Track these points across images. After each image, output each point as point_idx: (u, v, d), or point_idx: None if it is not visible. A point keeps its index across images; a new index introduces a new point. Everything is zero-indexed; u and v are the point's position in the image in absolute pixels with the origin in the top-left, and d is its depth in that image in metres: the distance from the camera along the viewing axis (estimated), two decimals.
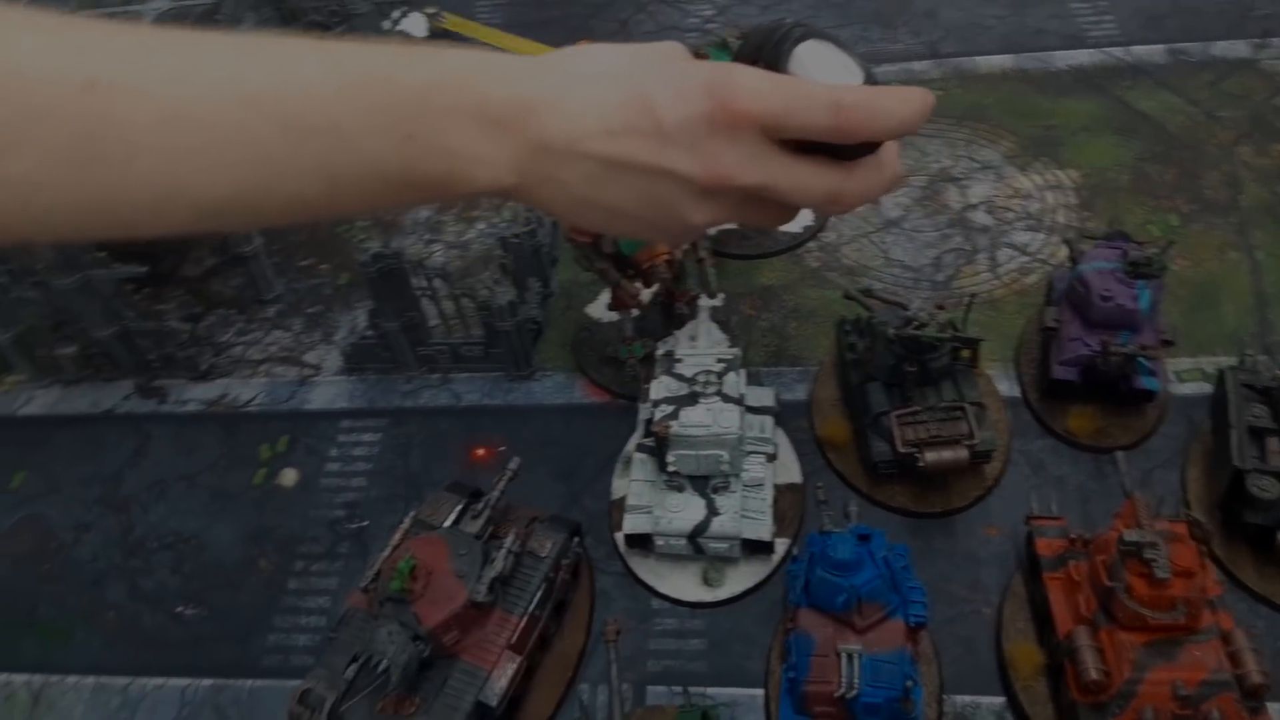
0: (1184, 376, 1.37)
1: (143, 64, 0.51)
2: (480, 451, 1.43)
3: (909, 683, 0.95)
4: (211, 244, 1.73)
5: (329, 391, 1.55)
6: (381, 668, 1.02)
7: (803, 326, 1.53)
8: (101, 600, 1.33)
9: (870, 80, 0.61)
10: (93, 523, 1.42)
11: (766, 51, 0.60)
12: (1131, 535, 0.97)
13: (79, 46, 0.50)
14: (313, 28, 1.80)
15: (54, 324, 1.55)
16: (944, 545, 1.24)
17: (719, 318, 1.55)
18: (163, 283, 1.70)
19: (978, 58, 1.98)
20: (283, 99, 0.52)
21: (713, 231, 1.69)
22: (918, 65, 1.98)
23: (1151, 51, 1.94)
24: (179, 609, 1.31)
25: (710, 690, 1.15)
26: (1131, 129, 1.77)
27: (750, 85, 0.55)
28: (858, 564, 1.01)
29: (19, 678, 1.26)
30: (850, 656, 0.99)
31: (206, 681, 1.24)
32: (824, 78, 0.59)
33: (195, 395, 1.57)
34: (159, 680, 1.25)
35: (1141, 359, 1.23)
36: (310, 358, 1.60)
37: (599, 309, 1.58)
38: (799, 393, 1.44)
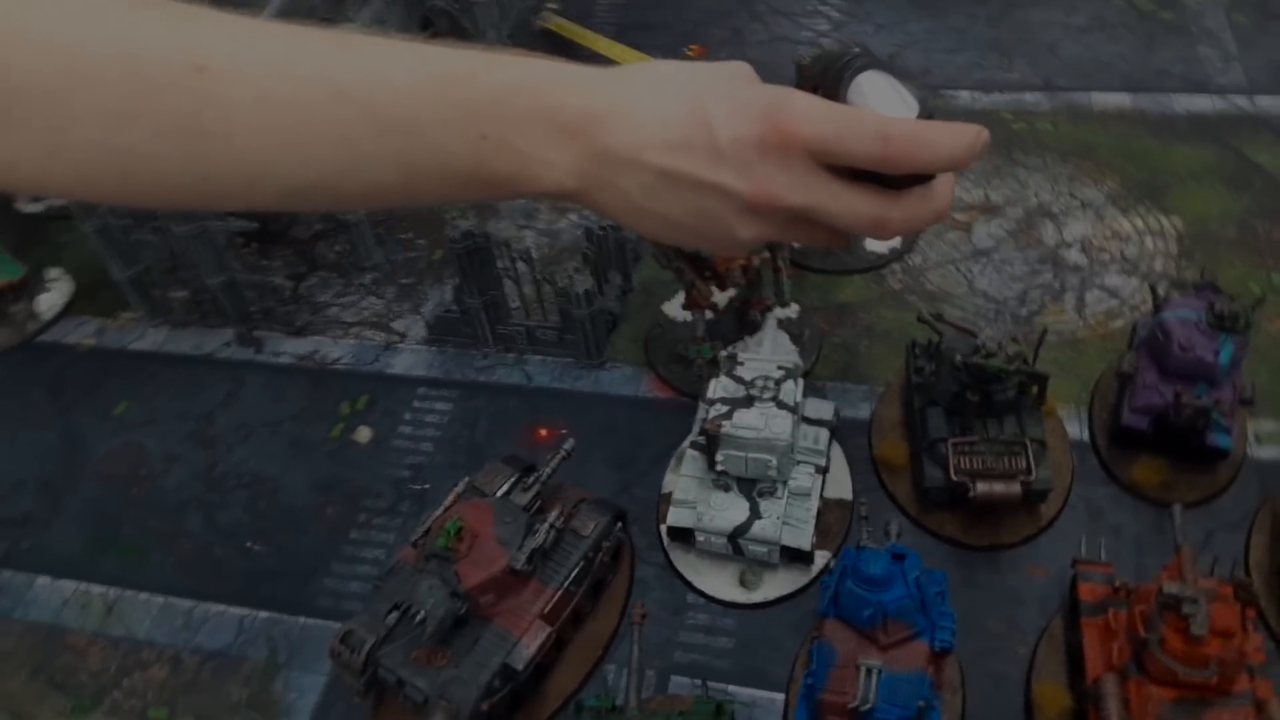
0: (1264, 440, 1.32)
1: (247, 51, 0.56)
2: (543, 432, 1.48)
3: (921, 703, 0.96)
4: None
5: (410, 359, 1.62)
6: (419, 618, 1.07)
7: (875, 346, 1.53)
8: (180, 528, 1.43)
9: (926, 113, 0.62)
10: (182, 455, 1.52)
11: (829, 78, 0.63)
12: (1172, 588, 0.95)
13: (193, 32, 0.55)
14: (436, 13, 1.88)
15: (169, 268, 1.66)
16: (987, 580, 1.23)
17: (793, 329, 1.56)
18: (273, 241, 1.80)
19: (1093, 94, 1.94)
20: (370, 91, 0.56)
21: (797, 244, 1.71)
22: (1029, 97, 1.95)
23: (1277, 104, 1.87)
24: (248, 544, 1.40)
25: (732, 688, 1.17)
26: (1244, 181, 1.71)
27: (804, 110, 0.57)
28: (888, 581, 1.02)
29: (97, 588, 1.36)
30: (870, 671, 1.00)
31: (263, 614, 1.32)
32: (880, 107, 0.61)
33: (289, 349, 1.66)
34: (220, 607, 1.33)
35: (1216, 415, 1.20)
36: (398, 325, 1.68)
37: (674, 308, 1.61)
38: (863, 411, 1.44)
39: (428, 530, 1.15)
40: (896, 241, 1.70)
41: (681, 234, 0.62)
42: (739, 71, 0.61)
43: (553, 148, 0.57)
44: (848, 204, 0.58)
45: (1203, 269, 1.34)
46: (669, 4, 2.38)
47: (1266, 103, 1.88)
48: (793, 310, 1.59)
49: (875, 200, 0.59)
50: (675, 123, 0.56)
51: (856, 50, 0.64)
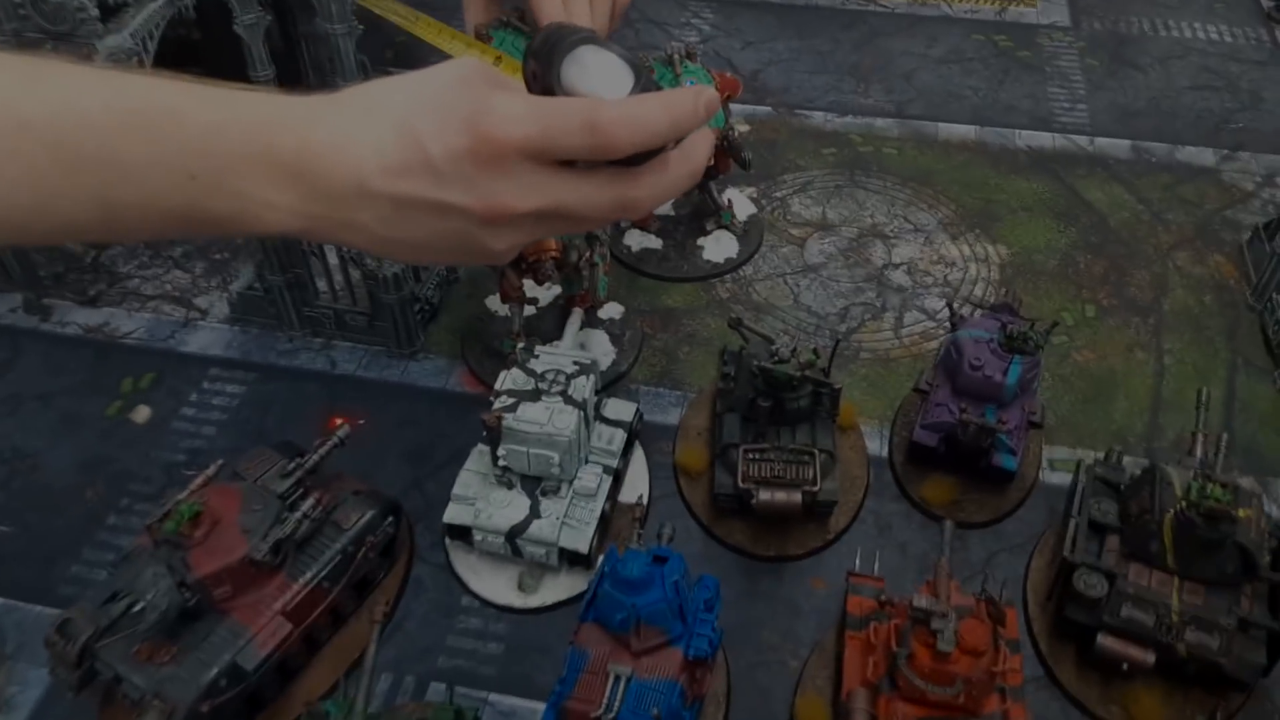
0: (1057, 465, 1.32)
1: None
2: (338, 421, 1.39)
3: (655, 711, 0.91)
4: None
5: (208, 337, 1.52)
6: (137, 608, 0.98)
7: (694, 353, 1.50)
8: None
9: (641, 85, 0.58)
10: None
11: (541, 63, 0.58)
12: (921, 601, 0.92)
13: None
14: None
15: None
16: (769, 590, 1.20)
17: (614, 330, 1.52)
18: None
19: (941, 124, 1.96)
20: (59, 125, 0.52)
21: (636, 248, 1.67)
22: (880, 122, 1.96)
23: (1115, 146, 1.91)
24: None
25: (494, 697, 1.11)
26: (1073, 216, 1.74)
27: (506, 115, 0.53)
28: (644, 583, 0.97)
29: None
30: (618, 678, 0.95)
31: None
32: (593, 87, 0.56)
33: (78, 319, 1.55)
34: None
35: (1002, 437, 1.19)
36: (201, 301, 1.58)
37: (497, 301, 1.55)
38: (673, 417, 1.40)
39: (167, 513, 1.05)
40: (733, 251, 1.67)
41: (437, 256, 0.59)
42: (458, 74, 0.57)
43: (272, 189, 0.53)
44: (583, 195, 0.56)
45: (1007, 290, 1.34)
46: None
47: (1105, 144, 1.92)
48: (616, 311, 1.54)
49: (611, 184, 0.56)
50: (389, 147, 0.53)
51: (569, 28, 0.59)
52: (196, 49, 1.75)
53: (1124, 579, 1.05)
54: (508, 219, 0.54)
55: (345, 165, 0.53)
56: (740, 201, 1.75)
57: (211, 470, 1.11)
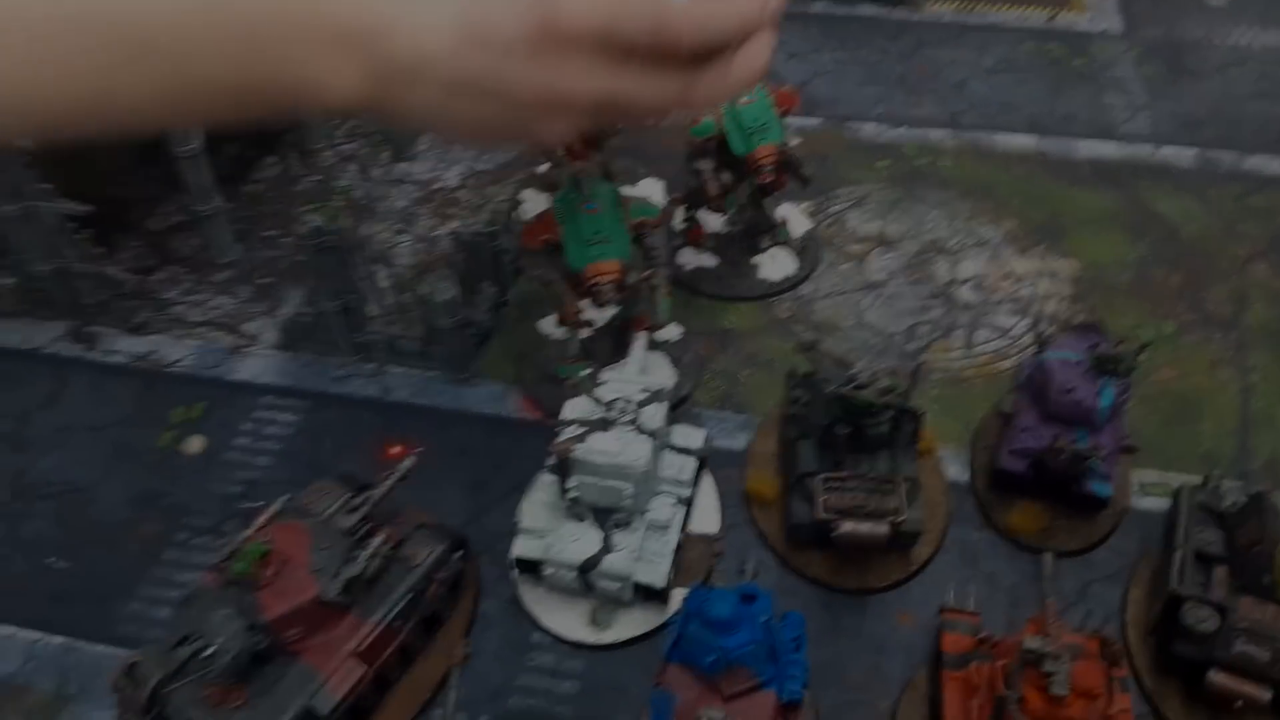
0: (1148, 490, 1.27)
1: None
2: (395, 450, 1.35)
3: None
4: (177, 201, 1.69)
5: (258, 364, 1.49)
6: (208, 652, 0.94)
7: (756, 375, 1.45)
8: None
9: None
10: None
11: None
12: (1033, 643, 0.87)
13: None
14: None
15: None
16: (852, 626, 1.15)
17: (673, 353, 1.48)
18: (122, 231, 1.66)
19: (997, 135, 1.91)
20: (119, 15, 0.51)
21: (690, 267, 1.63)
22: (934, 133, 1.91)
23: (1181, 154, 1.86)
24: (50, 560, 1.25)
25: None
26: (1143, 229, 1.69)
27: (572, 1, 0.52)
28: (734, 624, 0.92)
29: None
30: None
31: (58, 639, 1.17)
32: None
33: (124, 347, 1.52)
34: (10, 629, 1.18)
35: (1095, 462, 1.13)
36: (249, 328, 1.54)
37: (552, 324, 1.51)
38: (739, 442, 1.36)
39: (233, 553, 1.02)
40: (791, 269, 1.63)
41: (490, 134, 0.59)
42: None
43: (334, 61, 0.53)
44: (642, 88, 0.55)
45: (1091, 309, 1.29)
46: None
47: (1170, 153, 1.87)
48: (674, 333, 1.50)
49: (672, 80, 0.56)
50: (449, 27, 0.52)
51: None
52: None
53: (1236, 613, 1.00)
54: (564, 106, 0.54)
55: (404, 37, 0.53)
56: (795, 217, 1.70)
57: (276, 506, 1.08)
